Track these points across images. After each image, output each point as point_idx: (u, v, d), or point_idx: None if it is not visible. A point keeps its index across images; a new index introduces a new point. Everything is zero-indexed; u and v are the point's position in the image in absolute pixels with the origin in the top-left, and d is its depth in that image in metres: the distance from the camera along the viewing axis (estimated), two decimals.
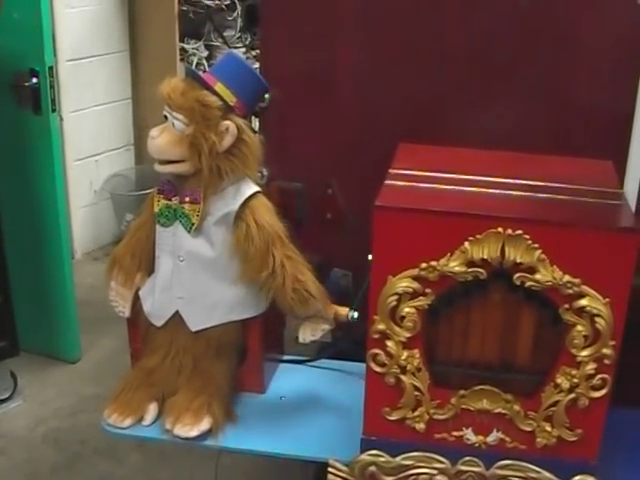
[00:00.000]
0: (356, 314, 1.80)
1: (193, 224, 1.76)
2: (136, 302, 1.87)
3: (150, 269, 1.87)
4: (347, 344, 2.05)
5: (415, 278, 1.53)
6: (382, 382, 1.62)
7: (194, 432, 1.75)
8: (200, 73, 1.77)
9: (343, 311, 1.82)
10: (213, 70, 1.79)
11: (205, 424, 1.76)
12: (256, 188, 1.79)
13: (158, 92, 1.75)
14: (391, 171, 1.69)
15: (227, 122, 1.72)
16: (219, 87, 1.73)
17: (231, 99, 1.74)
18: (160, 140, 1.73)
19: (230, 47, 4.65)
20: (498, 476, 1.65)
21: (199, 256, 1.79)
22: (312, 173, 2.34)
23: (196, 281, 1.81)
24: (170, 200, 1.78)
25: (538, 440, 1.62)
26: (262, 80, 1.81)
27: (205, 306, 1.82)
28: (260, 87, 1.82)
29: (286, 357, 2.08)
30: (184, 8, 4.45)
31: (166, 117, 1.74)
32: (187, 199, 1.76)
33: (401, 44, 2.27)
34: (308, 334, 1.83)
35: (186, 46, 4.56)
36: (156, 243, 1.84)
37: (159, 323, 1.85)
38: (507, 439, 1.63)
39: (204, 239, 1.78)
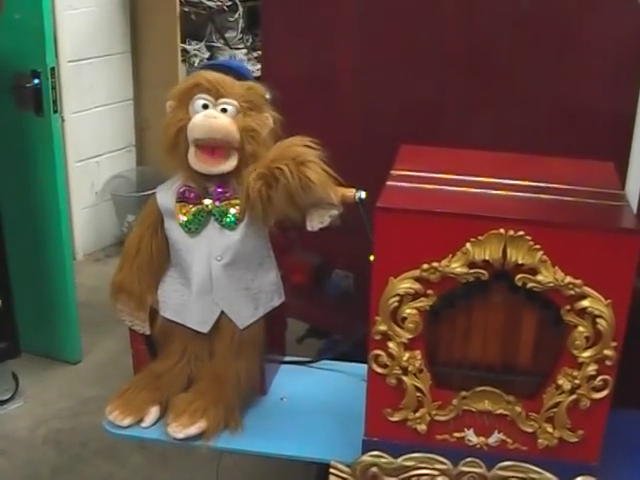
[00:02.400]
0: (364, 194, 1.74)
1: (237, 219, 1.75)
2: (150, 314, 1.87)
3: (157, 285, 1.86)
4: (348, 345, 2.05)
5: (417, 279, 1.53)
6: (384, 383, 1.62)
7: (181, 434, 1.75)
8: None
9: (350, 192, 1.76)
10: (223, 61, 1.81)
11: (194, 429, 1.75)
12: None
13: (193, 83, 1.73)
14: (393, 172, 1.69)
15: (267, 114, 1.76)
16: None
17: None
18: (223, 119, 1.71)
19: (232, 48, 4.65)
20: (499, 477, 1.65)
21: (237, 250, 1.77)
22: None
23: (237, 277, 1.79)
24: (200, 204, 1.76)
25: (539, 441, 1.61)
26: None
27: (249, 300, 1.81)
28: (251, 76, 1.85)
29: (287, 358, 2.08)
30: (185, 9, 4.45)
31: (205, 106, 1.72)
32: (227, 195, 1.75)
33: (402, 46, 2.27)
34: (316, 221, 1.75)
35: (188, 47, 4.56)
36: (180, 252, 1.81)
37: (206, 329, 1.84)
38: (508, 440, 1.63)
39: (239, 232, 1.76)
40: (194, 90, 1.73)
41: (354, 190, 1.76)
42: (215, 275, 1.79)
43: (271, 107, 1.77)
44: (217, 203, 1.75)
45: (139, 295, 1.84)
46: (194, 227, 1.77)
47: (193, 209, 1.76)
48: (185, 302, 1.83)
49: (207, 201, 1.76)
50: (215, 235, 1.77)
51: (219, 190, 1.75)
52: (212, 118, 1.71)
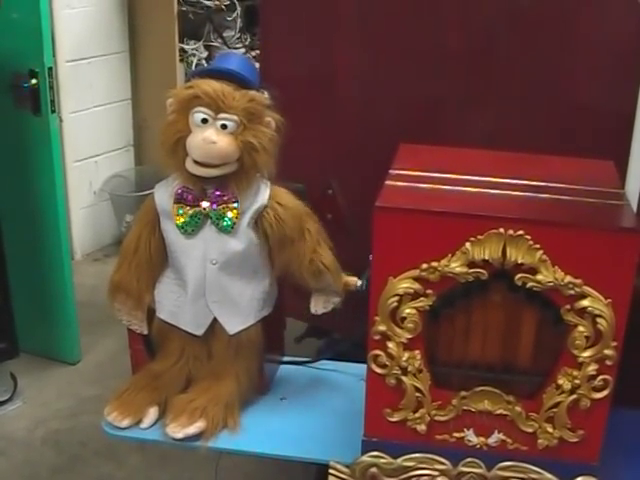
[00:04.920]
0: (366, 281, 1.77)
1: (234, 223, 1.74)
2: (148, 314, 1.86)
3: (155, 284, 1.86)
4: (348, 345, 2.04)
5: (416, 279, 1.53)
6: (383, 383, 1.62)
7: (180, 434, 1.74)
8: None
9: (352, 281, 1.82)
10: (225, 68, 1.76)
11: (193, 428, 1.74)
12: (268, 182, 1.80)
13: (193, 94, 1.70)
14: (391, 171, 1.68)
15: (269, 118, 1.74)
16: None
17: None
18: (223, 144, 1.69)
19: (230, 48, 4.65)
20: (499, 477, 1.65)
21: (232, 256, 1.77)
22: (312, 174, 2.34)
23: (230, 282, 1.79)
24: (198, 206, 1.75)
25: (539, 441, 1.61)
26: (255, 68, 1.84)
27: (242, 306, 1.81)
28: (258, 74, 1.82)
29: (287, 358, 2.07)
30: (183, 9, 4.45)
31: (205, 120, 1.70)
32: (225, 198, 1.74)
33: (401, 44, 2.27)
34: (320, 306, 1.84)
35: (186, 47, 4.55)
36: (175, 254, 1.80)
37: (200, 332, 1.84)
38: (508, 440, 1.63)
39: (236, 237, 1.76)
40: (194, 101, 1.71)
41: (356, 278, 1.82)
42: (209, 278, 1.79)
43: (272, 108, 1.75)
44: (214, 206, 1.74)
45: (137, 294, 1.83)
46: (190, 229, 1.76)
47: (190, 211, 1.75)
48: (181, 304, 1.83)
49: (204, 204, 1.75)
50: (211, 238, 1.76)
51: (217, 193, 1.74)
52: (211, 143, 1.69)
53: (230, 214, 1.74)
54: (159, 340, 1.88)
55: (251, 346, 1.83)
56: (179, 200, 1.76)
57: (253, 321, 1.82)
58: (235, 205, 1.74)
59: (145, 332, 1.87)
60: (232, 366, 1.83)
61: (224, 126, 1.70)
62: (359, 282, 1.82)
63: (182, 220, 1.76)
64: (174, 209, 1.76)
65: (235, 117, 1.70)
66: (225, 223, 1.75)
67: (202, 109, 1.70)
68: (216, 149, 1.69)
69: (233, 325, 1.82)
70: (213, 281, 1.79)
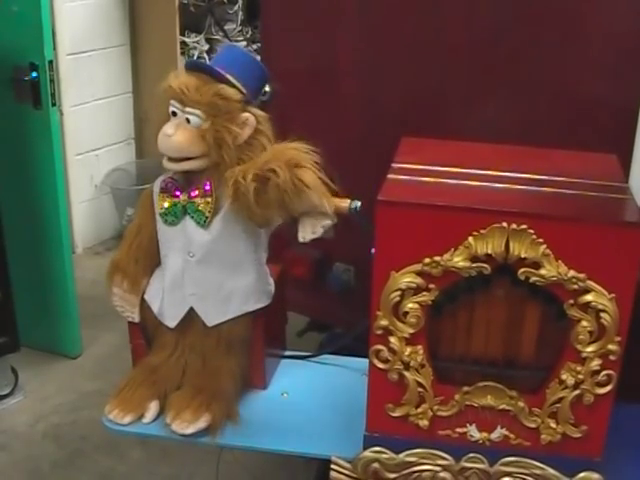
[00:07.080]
0: (359, 203, 1.71)
1: (207, 218, 1.73)
2: (142, 303, 1.86)
3: (153, 271, 1.86)
4: (349, 339, 2.03)
5: (418, 273, 1.52)
6: (385, 378, 1.61)
7: (190, 429, 1.75)
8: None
9: (344, 203, 1.72)
10: (217, 63, 1.75)
11: (202, 422, 1.75)
12: None
13: (165, 87, 1.72)
14: (394, 165, 1.68)
15: (246, 114, 1.71)
16: (231, 79, 1.72)
17: (242, 90, 1.72)
18: (178, 137, 1.69)
19: (231, 40, 4.64)
20: (502, 473, 1.64)
21: (211, 249, 1.76)
22: None
23: (209, 275, 1.79)
24: (177, 197, 1.76)
25: (542, 437, 1.61)
26: (263, 68, 1.79)
27: (220, 300, 1.80)
28: (262, 75, 1.79)
29: (288, 352, 2.07)
30: (185, 1, 4.43)
31: (174, 113, 1.71)
32: (197, 193, 1.73)
33: (403, 37, 2.26)
34: (308, 231, 1.70)
35: (187, 40, 4.54)
36: (161, 243, 1.81)
37: (172, 324, 1.84)
38: (511, 436, 1.62)
39: (214, 231, 1.75)
40: (167, 94, 1.72)
41: (349, 200, 1.72)
42: (187, 271, 1.79)
43: (253, 104, 1.74)
44: (189, 198, 1.75)
45: (133, 275, 1.85)
46: (170, 219, 1.77)
47: (169, 200, 1.77)
48: (162, 295, 1.84)
49: (182, 195, 1.76)
50: (190, 231, 1.77)
51: (192, 187, 1.75)
52: (166, 137, 1.70)
53: (204, 208, 1.74)
54: (154, 331, 1.88)
55: (240, 341, 1.84)
56: (163, 190, 1.78)
57: (233, 315, 1.82)
58: (209, 199, 1.73)
59: (137, 320, 1.87)
60: (226, 362, 1.83)
61: (189, 120, 1.71)
62: (354, 204, 1.71)
63: (162, 210, 1.77)
64: (158, 198, 1.78)
65: (198, 111, 1.70)
66: (199, 216, 1.74)
67: (172, 102, 1.72)
68: (171, 142, 1.70)
69: (211, 317, 1.82)
70: (191, 274, 1.79)
